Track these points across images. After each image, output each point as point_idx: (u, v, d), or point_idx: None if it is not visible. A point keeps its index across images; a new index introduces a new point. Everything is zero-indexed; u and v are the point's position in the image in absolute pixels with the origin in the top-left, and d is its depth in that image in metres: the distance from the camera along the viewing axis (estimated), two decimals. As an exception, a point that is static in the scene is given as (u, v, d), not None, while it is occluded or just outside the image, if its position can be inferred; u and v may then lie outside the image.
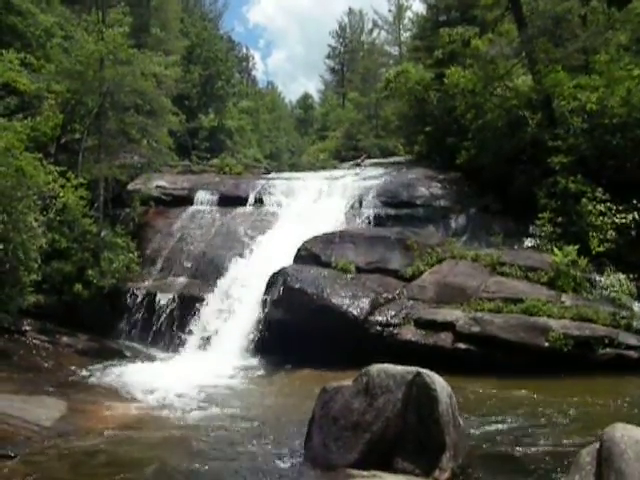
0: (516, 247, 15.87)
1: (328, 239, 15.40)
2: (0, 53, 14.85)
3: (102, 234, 16.05)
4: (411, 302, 13.28)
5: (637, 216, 14.53)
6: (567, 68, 18.02)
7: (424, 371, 5.99)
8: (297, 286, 13.34)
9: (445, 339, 12.04)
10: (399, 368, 6.16)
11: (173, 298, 15.26)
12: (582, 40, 17.56)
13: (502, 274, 13.92)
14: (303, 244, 15.33)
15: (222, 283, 15.29)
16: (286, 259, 14.96)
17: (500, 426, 8.12)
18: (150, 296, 15.57)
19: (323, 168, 29.25)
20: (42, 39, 19.50)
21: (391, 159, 29.53)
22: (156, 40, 29.60)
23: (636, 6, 16.09)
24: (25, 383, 10.19)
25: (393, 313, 12.78)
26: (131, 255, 16.15)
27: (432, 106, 23.81)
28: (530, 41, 17.73)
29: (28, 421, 7.78)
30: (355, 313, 12.65)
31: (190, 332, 14.38)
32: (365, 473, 5.71)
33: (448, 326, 12.20)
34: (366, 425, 5.96)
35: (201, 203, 19.74)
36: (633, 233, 14.55)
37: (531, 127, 17.12)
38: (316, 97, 70.12)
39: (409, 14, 45.15)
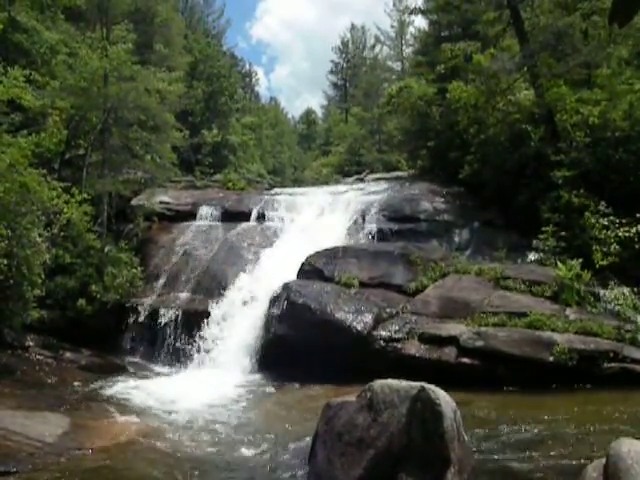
0: (520, 261, 15.88)
1: (331, 254, 15.40)
2: (5, 70, 14.94)
3: (106, 249, 16.06)
4: (415, 317, 13.23)
5: (640, 229, 14.51)
6: (569, 82, 18.12)
7: (428, 386, 5.94)
8: (300, 301, 13.32)
9: (449, 354, 11.97)
10: (403, 383, 6.12)
11: (176, 314, 15.23)
12: (584, 54, 17.62)
13: (506, 288, 13.89)
14: (306, 259, 15.34)
15: (225, 298, 15.25)
16: (289, 274, 14.96)
17: (505, 441, 8.06)
18: (153, 311, 15.55)
19: (326, 183, 29.42)
20: (47, 56, 19.60)
21: (394, 174, 29.65)
22: (160, 56, 29.81)
23: (637, 21, 16.16)
24: (28, 399, 10.13)
25: (397, 328, 12.72)
26: (134, 270, 16.15)
27: (435, 121, 23.95)
28: (532, 56, 17.80)
29: (31, 437, 7.74)
30: (358, 328, 12.60)
31: (193, 348, 14.33)
32: (369, 489, 5.66)
33: (452, 341, 12.13)
34: (370, 440, 5.91)
35: (204, 218, 19.79)
36: (637, 246, 14.51)
37: (534, 141, 17.15)
38: (319, 112, 70.58)
39: (411, 30, 45.62)
